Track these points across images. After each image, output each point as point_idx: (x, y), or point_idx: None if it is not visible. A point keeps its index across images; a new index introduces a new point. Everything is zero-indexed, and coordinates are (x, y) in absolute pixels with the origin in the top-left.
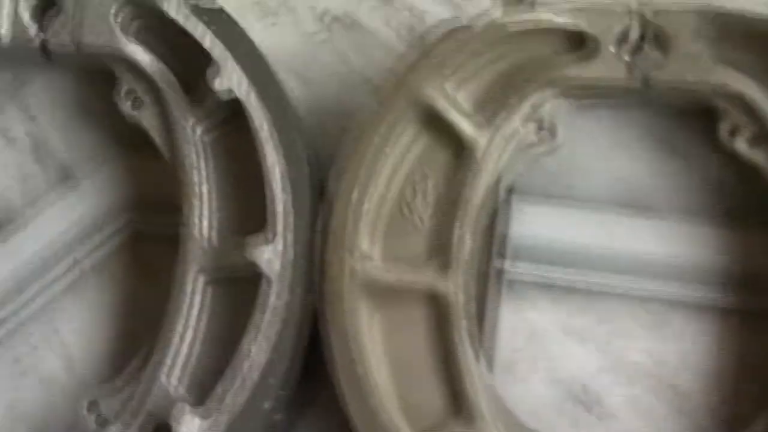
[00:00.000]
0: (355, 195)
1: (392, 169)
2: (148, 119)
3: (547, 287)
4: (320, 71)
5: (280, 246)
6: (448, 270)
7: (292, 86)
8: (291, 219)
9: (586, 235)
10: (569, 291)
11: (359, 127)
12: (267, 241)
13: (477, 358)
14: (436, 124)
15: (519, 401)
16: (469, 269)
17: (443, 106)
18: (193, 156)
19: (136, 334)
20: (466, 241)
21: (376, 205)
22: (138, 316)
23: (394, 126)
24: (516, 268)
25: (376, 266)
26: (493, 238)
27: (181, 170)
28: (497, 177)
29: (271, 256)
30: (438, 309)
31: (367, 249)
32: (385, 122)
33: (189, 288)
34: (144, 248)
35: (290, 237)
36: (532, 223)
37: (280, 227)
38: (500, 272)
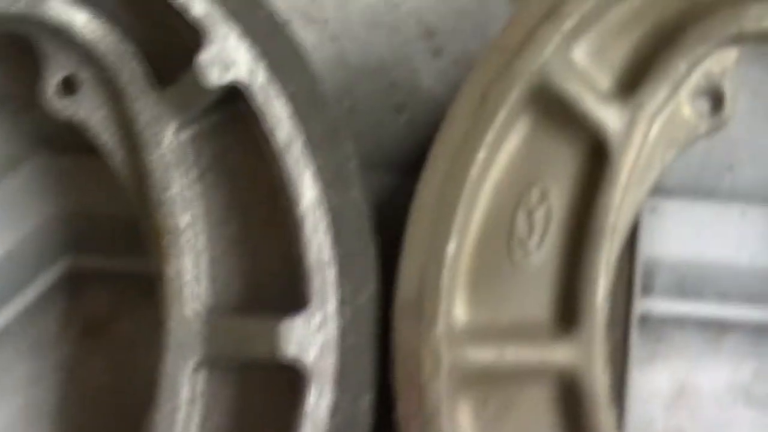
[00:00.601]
0: (451, 244)
1: (497, 190)
2: (87, 110)
3: (698, 326)
4: (358, 20)
5: (318, 320)
6: (583, 332)
7: (311, 41)
8: (334, 277)
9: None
10: (729, 329)
11: (447, 132)
12: (298, 314)
13: None
14: (563, 115)
15: None
16: (605, 320)
17: (575, 90)
18: (167, 166)
19: None
20: (601, 279)
21: (478, 250)
22: (85, 405)
23: (505, 127)
24: (652, 303)
25: (480, 347)
26: (630, 267)
27: (149, 189)
28: (651, 183)
29: (305, 336)
30: (569, 392)
31: (466, 320)
32: (495, 125)
33: (182, 387)
34: (88, 296)
35: (334, 306)
36: (672, 236)
37: (317, 291)
38: (634, 312)
